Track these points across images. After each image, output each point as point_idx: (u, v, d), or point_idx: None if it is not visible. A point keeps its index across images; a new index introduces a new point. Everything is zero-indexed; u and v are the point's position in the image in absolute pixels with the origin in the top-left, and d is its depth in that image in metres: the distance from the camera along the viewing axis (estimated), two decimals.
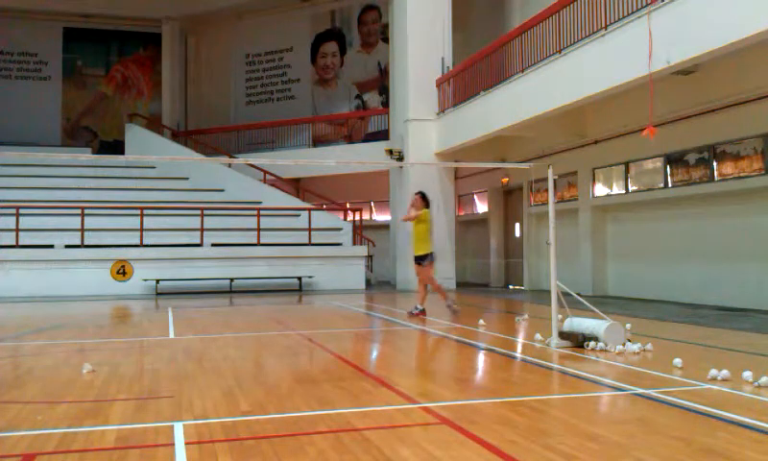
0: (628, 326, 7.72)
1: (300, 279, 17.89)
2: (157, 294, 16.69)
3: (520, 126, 14.28)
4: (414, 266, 10.72)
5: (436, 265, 10.75)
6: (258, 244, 17.99)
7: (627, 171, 13.91)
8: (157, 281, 16.88)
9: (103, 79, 28.00)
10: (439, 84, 18.03)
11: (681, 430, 3.80)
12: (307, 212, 19.05)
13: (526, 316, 9.90)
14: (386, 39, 23.32)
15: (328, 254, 18.65)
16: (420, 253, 10.46)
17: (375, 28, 25.53)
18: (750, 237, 10.95)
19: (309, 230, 18.59)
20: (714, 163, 11.66)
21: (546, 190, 9.55)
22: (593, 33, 11.31)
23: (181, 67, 27.81)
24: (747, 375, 5.08)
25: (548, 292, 7.36)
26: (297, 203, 20.89)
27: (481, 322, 9.21)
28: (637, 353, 6.41)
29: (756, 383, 4.90)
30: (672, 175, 12.68)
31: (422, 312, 10.43)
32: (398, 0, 18.67)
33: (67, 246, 17.11)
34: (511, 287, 18.72)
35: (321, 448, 3.48)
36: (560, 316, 7.12)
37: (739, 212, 11.26)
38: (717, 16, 8.82)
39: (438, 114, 18.05)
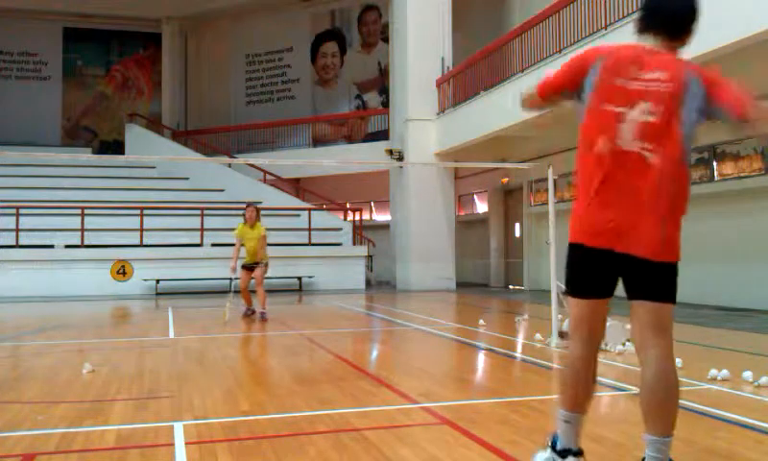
0: (628, 326, 7.72)
1: (299, 279, 17.89)
2: (157, 294, 16.69)
3: (520, 126, 14.27)
4: (253, 271, 10.33)
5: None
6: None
7: None
8: (157, 281, 16.88)
9: (103, 79, 28.00)
10: (439, 84, 18.03)
11: (681, 430, 3.79)
12: (307, 212, 19.04)
13: (526, 316, 9.90)
14: (386, 39, 23.31)
15: (328, 254, 18.65)
16: (263, 260, 10.27)
17: (375, 28, 25.52)
18: (750, 237, 10.95)
19: (309, 229, 18.59)
20: (714, 163, 11.65)
21: (546, 190, 9.55)
22: (593, 33, 11.31)
23: (181, 67, 27.80)
24: (747, 375, 5.08)
25: (548, 292, 7.36)
26: (297, 203, 20.88)
27: (481, 322, 9.21)
28: None
29: (756, 383, 4.90)
30: None
31: (257, 313, 10.31)
32: (398, 0, 18.67)
33: (67, 246, 17.11)
34: (511, 287, 18.72)
35: (321, 448, 3.48)
36: (560, 316, 7.12)
37: (739, 212, 11.26)
38: (717, 16, 8.82)
39: (438, 114, 18.05)
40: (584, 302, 2.82)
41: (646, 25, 2.90)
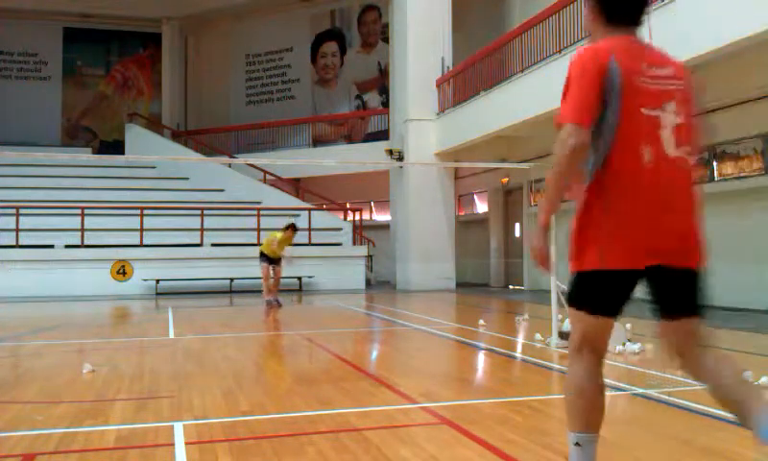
0: (628, 326, 7.71)
1: (299, 279, 17.88)
2: (157, 294, 16.69)
3: (520, 126, 14.27)
4: (273, 266, 12.39)
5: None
6: (258, 244, 17.91)
7: None
8: (157, 281, 16.87)
9: (103, 79, 27.99)
10: (439, 84, 18.03)
11: (681, 430, 3.80)
12: (307, 212, 19.04)
13: (526, 316, 9.90)
14: (386, 39, 23.31)
15: (328, 254, 18.64)
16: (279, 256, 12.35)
17: (375, 28, 25.52)
18: (750, 237, 10.94)
19: (309, 230, 18.58)
20: (714, 163, 11.65)
21: None
22: None
23: (181, 67, 27.80)
24: (747, 375, 5.07)
25: (548, 292, 7.35)
26: (297, 203, 20.88)
27: (481, 322, 9.21)
28: (637, 353, 6.41)
29: (756, 383, 4.90)
30: None
31: (279, 304, 12.24)
32: (398, 0, 18.68)
33: (67, 246, 17.11)
34: (511, 287, 18.72)
35: (321, 448, 3.48)
36: (560, 316, 7.11)
37: (739, 212, 11.26)
38: (717, 16, 8.82)
39: (438, 114, 18.05)
40: (600, 318, 2.64)
41: (609, 10, 2.58)
